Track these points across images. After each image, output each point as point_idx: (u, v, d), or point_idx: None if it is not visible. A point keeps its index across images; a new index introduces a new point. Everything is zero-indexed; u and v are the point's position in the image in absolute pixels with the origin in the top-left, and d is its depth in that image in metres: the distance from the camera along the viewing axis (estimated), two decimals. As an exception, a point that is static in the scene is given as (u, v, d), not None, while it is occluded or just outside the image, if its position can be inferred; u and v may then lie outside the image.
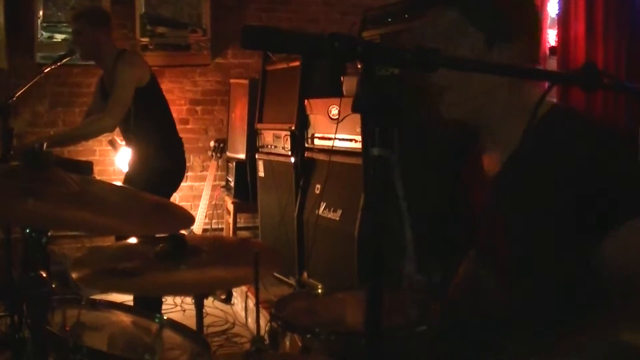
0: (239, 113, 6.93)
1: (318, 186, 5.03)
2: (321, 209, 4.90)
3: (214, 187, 7.10)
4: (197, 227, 6.74)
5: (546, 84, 1.68)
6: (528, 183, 1.75)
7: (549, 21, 5.76)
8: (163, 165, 4.98)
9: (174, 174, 5.17)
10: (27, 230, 2.06)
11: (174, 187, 5.22)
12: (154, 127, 4.98)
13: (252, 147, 6.22)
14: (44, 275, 2.06)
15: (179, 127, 5.36)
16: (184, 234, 2.62)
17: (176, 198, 7.20)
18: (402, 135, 3.73)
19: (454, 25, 1.80)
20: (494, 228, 1.89)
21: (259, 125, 6.05)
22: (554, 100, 1.87)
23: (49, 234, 2.11)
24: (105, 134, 5.46)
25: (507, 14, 1.80)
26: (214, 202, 7.24)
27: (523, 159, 1.76)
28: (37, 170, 2.16)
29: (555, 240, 1.69)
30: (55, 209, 2.05)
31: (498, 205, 1.86)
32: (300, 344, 2.46)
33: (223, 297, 6.05)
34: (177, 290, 3.13)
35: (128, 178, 5.12)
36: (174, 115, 5.32)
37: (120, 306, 2.70)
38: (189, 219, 2.56)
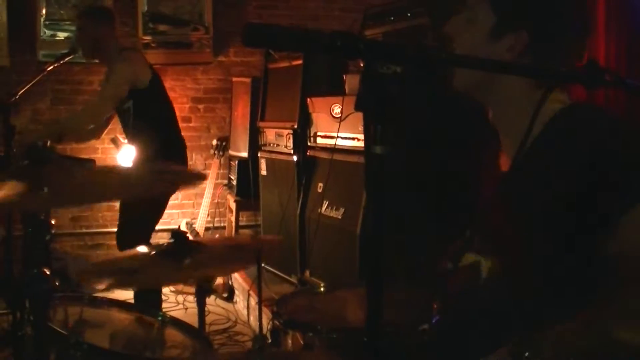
0: (241, 111, 6.93)
1: (320, 185, 5.04)
2: (323, 207, 4.90)
3: (216, 186, 7.10)
4: (199, 226, 6.74)
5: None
6: (537, 180, 1.75)
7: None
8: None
9: None
10: (30, 229, 2.06)
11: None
12: (154, 128, 4.96)
13: (255, 145, 6.23)
14: (46, 272, 2.07)
15: (181, 125, 5.35)
16: (185, 232, 2.63)
17: (179, 196, 7.21)
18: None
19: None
20: (500, 224, 1.89)
21: (261, 124, 6.05)
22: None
23: (52, 231, 2.12)
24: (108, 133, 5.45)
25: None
26: (216, 201, 7.23)
27: (534, 154, 1.76)
28: (40, 165, 2.17)
29: (561, 236, 1.69)
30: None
31: (506, 202, 1.86)
32: (302, 341, 2.47)
33: (225, 295, 6.07)
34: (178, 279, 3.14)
35: None
36: (177, 113, 5.32)
37: (122, 303, 2.71)
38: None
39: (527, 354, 1.56)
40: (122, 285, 2.82)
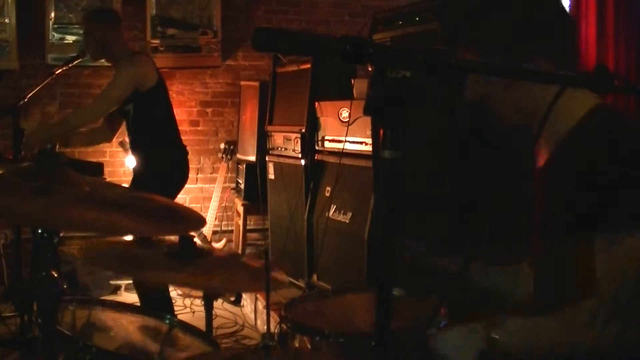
0: (249, 115, 6.93)
1: (328, 188, 5.03)
2: (331, 211, 4.90)
3: (224, 189, 7.11)
4: (207, 229, 6.74)
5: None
6: (565, 183, 1.75)
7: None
8: (162, 171, 4.95)
9: (173, 179, 5.12)
10: (39, 231, 2.06)
11: (173, 194, 5.15)
12: (154, 133, 4.95)
13: (263, 149, 6.23)
14: (55, 275, 2.07)
15: (189, 128, 5.36)
16: (193, 235, 2.63)
17: (186, 200, 7.21)
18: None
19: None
20: (534, 226, 1.89)
21: (269, 128, 6.05)
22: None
23: (61, 234, 2.12)
24: (117, 136, 5.46)
25: (525, 35, 1.81)
26: (224, 204, 7.24)
27: (561, 158, 1.77)
28: (48, 170, 2.17)
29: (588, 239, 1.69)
30: (65, 209, 2.05)
31: (539, 204, 1.87)
32: (309, 345, 2.47)
33: (232, 298, 6.06)
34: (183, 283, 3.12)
35: (133, 181, 5.13)
36: (185, 117, 5.33)
37: (131, 307, 2.71)
38: (200, 221, 2.56)
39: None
40: (126, 272, 2.80)
